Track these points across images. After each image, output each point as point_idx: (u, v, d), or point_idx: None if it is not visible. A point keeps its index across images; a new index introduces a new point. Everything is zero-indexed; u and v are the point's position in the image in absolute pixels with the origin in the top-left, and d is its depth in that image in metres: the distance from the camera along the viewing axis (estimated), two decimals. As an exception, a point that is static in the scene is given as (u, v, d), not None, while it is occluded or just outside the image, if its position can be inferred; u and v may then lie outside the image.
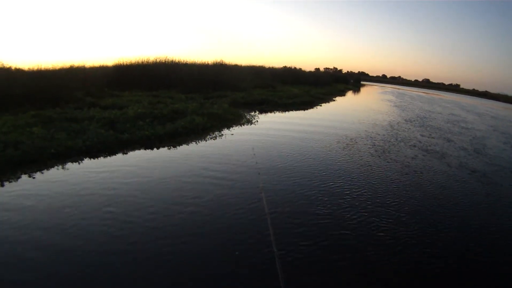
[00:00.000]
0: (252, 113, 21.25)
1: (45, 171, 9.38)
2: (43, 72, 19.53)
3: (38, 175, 9.10)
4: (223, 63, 35.98)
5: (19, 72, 18.79)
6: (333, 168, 11.43)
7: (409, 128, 21.72)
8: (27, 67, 19.82)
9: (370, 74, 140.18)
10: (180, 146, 12.55)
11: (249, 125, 17.31)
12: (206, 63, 34.62)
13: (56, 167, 9.74)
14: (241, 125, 17.13)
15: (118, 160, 10.71)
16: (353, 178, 10.68)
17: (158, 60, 29.61)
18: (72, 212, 7.05)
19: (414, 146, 16.26)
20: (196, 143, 13.14)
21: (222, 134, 14.75)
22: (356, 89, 70.32)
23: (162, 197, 8.12)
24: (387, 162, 12.97)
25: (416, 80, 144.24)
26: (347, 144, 15.15)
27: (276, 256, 5.64)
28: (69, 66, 22.40)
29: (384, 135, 18.37)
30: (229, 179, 9.55)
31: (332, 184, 9.87)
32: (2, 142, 10.26)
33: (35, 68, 19.78)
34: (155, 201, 7.85)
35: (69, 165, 9.97)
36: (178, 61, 31.39)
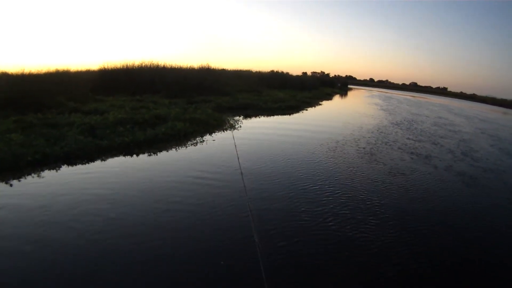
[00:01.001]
0: (236, 118, 21.07)
1: (20, 179, 9.17)
2: (27, 76, 19.32)
3: (12, 183, 8.90)
4: (209, 67, 35.90)
5: (3, 76, 18.58)
6: (315, 172, 11.39)
7: (396, 131, 21.74)
8: (11, 71, 19.59)
9: (358, 78, 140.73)
10: (159, 153, 12.38)
11: (232, 131, 17.12)
12: (192, 67, 34.49)
13: (32, 174, 9.55)
14: (224, 131, 16.95)
15: (94, 167, 10.52)
16: (335, 180, 10.70)
17: (143, 65, 29.49)
18: (43, 220, 6.90)
19: (400, 149, 16.28)
20: (176, 149, 12.98)
21: (204, 140, 14.58)
22: (343, 93, 70.52)
23: (133, 204, 8.01)
24: (372, 164, 13.00)
25: (403, 84, 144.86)
26: (331, 147, 15.10)
27: (258, 251, 5.58)
28: (53, 70, 22.14)
29: (369, 138, 18.38)
30: (207, 184, 9.45)
31: (313, 187, 9.84)
32: None
33: (19, 72, 19.53)
34: (125, 208, 7.71)
35: (45, 172, 9.78)
36: (164, 66, 31.26)
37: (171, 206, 7.99)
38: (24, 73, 19.57)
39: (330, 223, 7.68)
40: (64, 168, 10.24)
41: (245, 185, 9.49)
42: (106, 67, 27.22)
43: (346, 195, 9.52)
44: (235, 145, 13.74)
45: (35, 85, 18.11)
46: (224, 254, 6.15)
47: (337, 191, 9.75)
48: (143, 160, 11.54)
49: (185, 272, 5.64)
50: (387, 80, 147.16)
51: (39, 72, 20.92)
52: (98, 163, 10.90)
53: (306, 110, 30.74)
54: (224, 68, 43.23)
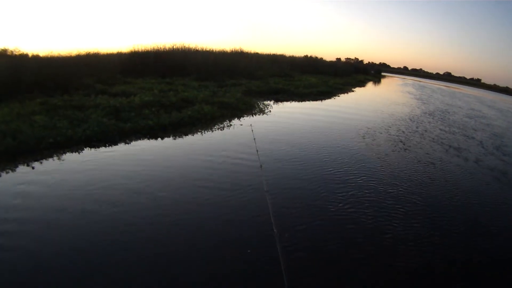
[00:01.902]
0: (266, 103, 20.43)
1: (38, 162, 8.87)
2: (55, 58, 19.13)
3: (27, 167, 8.60)
4: (241, 51, 35.36)
5: (32, 59, 18.41)
6: (342, 158, 10.89)
7: (428, 121, 20.90)
8: (40, 54, 19.46)
9: (392, 66, 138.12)
10: (183, 137, 11.91)
11: (261, 115, 16.55)
12: (224, 50, 33.98)
13: (51, 158, 9.23)
14: (252, 115, 16.37)
15: (114, 150, 10.14)
16: (361, 166, 10.27)
17: (174, 47, 29.06)
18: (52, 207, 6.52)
19: (431, 139, 15.56)
20: (200, 133, 12.47)
21: (231, 124, 14.01)
22: (377, 80, 68.90)
23: (152, 189, 7.57)
24: (401, 153, 12.38)
25: (437, 73, 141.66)
26: (360, 134, 14.45)
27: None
28: (82, 53, 21.97)
29: (400, 126, 17.64)
30: (225, 176, 8.84)
31: (339, 174, 9.33)
32: (1, 131, 9.81)
33: (48, 54, 19.37)
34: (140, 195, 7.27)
35: (65, 156, 9.46)
36: (195, 48, 30.77)
37: (189, 188, 7.69)
38: (53, 55, 19.37)
39: (350, 209, 7.40)
40: (84, 151, 9.89)
41: (265, 179, 8.96)
42: (136, 49, 26.90)
43: (372, 183, 9.06)
44: (253, 132, 13.21)
45: (63, 68, 17.91)
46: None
47: (362, 178, 9.31)
48: (165, 144, 11.09)
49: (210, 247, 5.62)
50: (421, 69, 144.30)
51: (68, 55, 20.74)
52: (119, 146, 10.51)
53: (338, 96, 29.87)
54: (257, 52, 42.58)
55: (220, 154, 10.31)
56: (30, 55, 19.50)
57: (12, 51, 19.70)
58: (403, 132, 16.14)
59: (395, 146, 13.36)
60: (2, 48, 20.21)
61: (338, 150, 11.90)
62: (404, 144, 13.78)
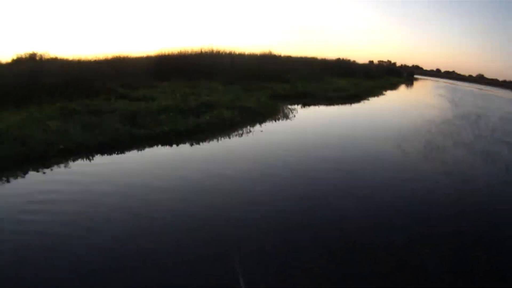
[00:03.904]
0: (292, 107, 19.60)
1: (42, 172, 8.51)
2: (78, 62, 18.93)
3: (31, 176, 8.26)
4: (271, 54, 34.77)
5: (54, 62, 18.20)
6: (362, 172, 9.94)
7: (459, 125, 19.83)
8: (62, 57, 19.29)
9: (424, 68, 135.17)
10: (196, 144, 11.32)
11: (284, 121, 15.83)
12: (253, 53, 33.42)
13: (58, 165, 8.84)
14: (275, 120, 15.66)
15: (121, 158, 9.74)
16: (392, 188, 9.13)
17: (202, 51, 28.63)
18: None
19: (465, 145, 14.55)
20: (217, 141, 11.83)
21: (251, 131, 13.29)
22: (409, 82, 67.29)
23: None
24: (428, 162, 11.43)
25: (470, 75, 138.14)
26: (382, 146, 13.50)
27: None
28: (107, 57, 21.77)
29: (429, 132, 16.45)
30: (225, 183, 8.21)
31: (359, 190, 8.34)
32: (13, 137, 9.50)
33: (72, 58, 19.20)
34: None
35: (72, 163, 9.07)
36: (223, 52, 30.28)
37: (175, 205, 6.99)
38: (77, 59, 19.21)
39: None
40: (93, 158, 9.50)
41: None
42: (163, 53, 26.55)
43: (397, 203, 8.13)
44: (278, 143, 12.52)
45: (86, 72, 17.68)
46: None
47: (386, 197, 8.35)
48: (174, 152, 10.62)
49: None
50: (453, 71, 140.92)
51: (93, 59, 20.58)
52: (130, 153, 10.07)
53: (368, 99, 28.85)
54: (288, 55, 41.86)
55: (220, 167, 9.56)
56: (57, 59, 19.16)
57: (41, 55, 19.40)
58: (434, 142, 15.10)
59: (420, 154, 12.45)
60: (31, 52, 19.94)
61: (357, 160, 11.12)
62: (429, 151, 12.87)
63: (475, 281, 5.37)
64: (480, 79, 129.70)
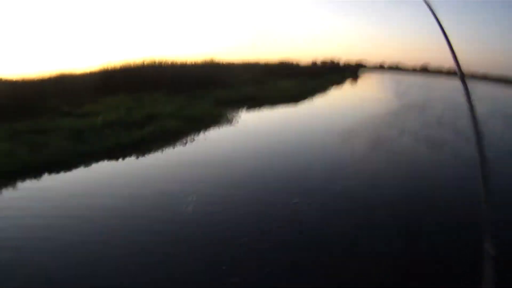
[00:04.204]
0: (236, 112, 20.24)
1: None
2: (20, 82, 18.87)
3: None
4: (212, 62, 35.22)
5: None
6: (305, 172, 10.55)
7: (407, 117, 20.81)
8: (4, 78, 19.13)
9: (368, 64, 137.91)
10: (139, 156, 11.73)
11: (228, 126, 16.42)
12: (195, 63, 33.77)
13: (5, 186, 9.01)
14: (219, 127, 16.23)
15: (66, 177, 9.97)
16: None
17: (144, 63, 28.78)
18: None
19: (411, 135, 15.49)
20: (160, 151, 12.29)
21: (194, 139, 13.84)
22: (353, 79, 68.95)
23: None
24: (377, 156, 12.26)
25: (414, 68, 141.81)
26: (321, 139, 14.28)
27: None
28: (50, 75, 21.67)
29: (377, 128, 17.36)
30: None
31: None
32: None
33: (14, 78, 19.08)
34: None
35: (18, 184, 9.25)
36: (165, 62, 30.49)
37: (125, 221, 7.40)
38: (19, 79, 19.12)
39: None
40: (40, 178, 9.70)
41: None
42: (106, 67, 26.55)
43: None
44: (221, 149, 13.03)
45: (30, 91, 17.70)
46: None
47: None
48: (117, 166, 10.99)
49: None
50: (398, 64, 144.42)
51: (37, 78, 20.47)
52: (75, 171, 10.32)
53: (311, 99, 29.81)
54: (230, 61, 42.35)
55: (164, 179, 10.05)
56: (1, 80, 19.04)
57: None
58: (374, 128, 16.00)
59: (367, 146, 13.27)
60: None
61: (302, 161, 11.75)
62: (375, 141, 13.77)
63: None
64: (424, 70, 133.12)
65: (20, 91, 17.30)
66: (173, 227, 6.87)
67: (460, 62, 2.03)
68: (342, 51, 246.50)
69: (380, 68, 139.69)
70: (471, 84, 1.94)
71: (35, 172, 9.92)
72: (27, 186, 9.16)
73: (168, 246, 6.17)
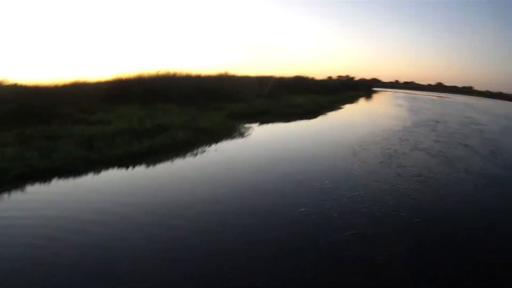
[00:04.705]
0: (248, 125, 20.17)
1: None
2: (34, 88, 19.00)
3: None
4: (227, 74, 35.30)
5: (10, 87, 18.25)
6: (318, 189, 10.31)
7: (419, 132, 20.60)
8: (19, 83, 19.27)
9: (383, 80, 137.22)
10: (150, 166, 11.67)
11: (240, 139, 16.36)
12: (209, 75, 33.85)
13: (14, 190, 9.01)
14: (231, 139, 16.16)
15: (70, 183, 9.94)
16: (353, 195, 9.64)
17: (158, 74, 28.89)
18: None
19: (422, 150, 15.30)
20: (170, 161, 12.26)
21: (205, 151, 13.78)
22: (368, 95, 68.74)
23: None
24: (392, 172, 12.02)
25: (429, 84, 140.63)
26: (340, 157, 14.07)
27: None
28: (64, 82, 21.82)
29: (390, 142, 17.24)
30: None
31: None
32: None
33: (28, 84, 19.22)
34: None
35: (28, 188, 9.29)
36: (179, 74, 30.58)
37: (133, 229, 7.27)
38: (33, 85, 19.26)
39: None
40: (47, 183, 9.72)
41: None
42: (120, 77, 26.68)
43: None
44: (230, 160, 12.95)
45: (43, 97, 17.81)
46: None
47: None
48: (126, 174, 10.90)
49: None
50: (412, 82, 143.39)
51: (51, 84, 20.62)
52: (84, 177, 10.32)
53: (325, 114, 29.72)
54: (245, 74, 42.39)
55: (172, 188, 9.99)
56: (15, 84, 19.14)
57: (0, 82, 19.28)
58: (393, 148, 15.73)
59: (385, 163, 13.11)
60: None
61: (308, 180, 11.54)
62: (392, 159, 13.58)
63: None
64: (439, 87, 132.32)
65: (34, 97, 17.41)
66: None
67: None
68: (357, 68, 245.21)
69: (395, 84, 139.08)
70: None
71: (44, 177, 9.95)
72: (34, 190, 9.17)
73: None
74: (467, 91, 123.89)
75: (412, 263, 6.39)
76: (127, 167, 11.32)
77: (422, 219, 8.35)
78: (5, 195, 8.73)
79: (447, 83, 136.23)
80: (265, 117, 23.91)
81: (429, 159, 13.98)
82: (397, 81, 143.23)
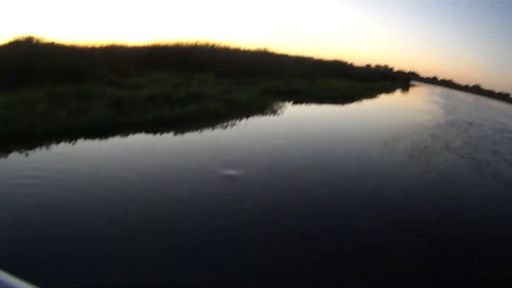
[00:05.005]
0: (282, 103, 19.64)
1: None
2: (72, 48, 18.91)
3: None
4: (266, 51, 34.81)
5: (47, 47, 18.16)
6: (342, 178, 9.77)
7: (451, 132, 19.84)
8: (56, 42, 19.19)
9: (421, 75, 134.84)
10: (179, 134, 11.35)
11: (272, 116, 15.89)
12: (248, 50, 33.44)
13: (39, 148, 8.82)
14: (263, 115, 15.72)
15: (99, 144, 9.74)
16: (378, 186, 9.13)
17: (197, 43, 28.57)
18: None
19: (451, 150, 14.60)
20: (200, 131, 11.86)
21: (236, 124, 13.36)
22: (404, 88, 67.30)
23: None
24: (419, 167, 11.39)
25: (466, 85, 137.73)
26: (370, 145, 13.51)
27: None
28: (101, 44, 21.75)
29: (421, 138, 16.34)
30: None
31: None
32: None
33: (65, 43, 19.16)
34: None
35: (52, 145, 9.08)
36: (218, 46, 30.22)
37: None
38: (70, 45, 19.20)
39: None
40: (73, 143, 9.45)
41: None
42: (158, 43, 26.40)
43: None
44: (261, 136, 12.49)
45: (79, 57, 17.66)
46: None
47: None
48: (155, 140, 10.64)
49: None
50: (450, 80, 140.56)
51: (88, 45, 20.59)
52: (111, 139, 10.09)
53: (360, 101, 28.95)
54: (283, 53, 41.81)
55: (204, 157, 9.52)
56: (52, 43, 19.05)
57: (38, 40, 19.17)
58: (423, 145, 15.02)
59: (414, 159, 12.45)
60: (28, 35, 19.66)
61: (340, 166, 11.04)
62: (421, 157, 12.87)
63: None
64: (476, 90, 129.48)
65: (70, 57, 17.26)
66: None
67: None
68: (396, 60, 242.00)
69: (432, 81, 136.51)
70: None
71: (70, 135, 9.70)
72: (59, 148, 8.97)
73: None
74: (504, 97, 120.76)
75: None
76: (156, 133, 11.02)
77: (439, 218, 7.82)
78: (29, 151, 8.53)
79: (485, 86, 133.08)
80: (299, 97, 23.21)
81: (458, 160, 13.31)
82: (434, 78, 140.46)
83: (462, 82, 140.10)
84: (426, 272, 5.54)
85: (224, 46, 30.90)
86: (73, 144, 9.33)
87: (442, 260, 6.00)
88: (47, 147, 8.89)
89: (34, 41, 18.87)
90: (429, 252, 6.14)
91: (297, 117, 17.33)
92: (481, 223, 8.05)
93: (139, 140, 10.40)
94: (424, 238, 6.60)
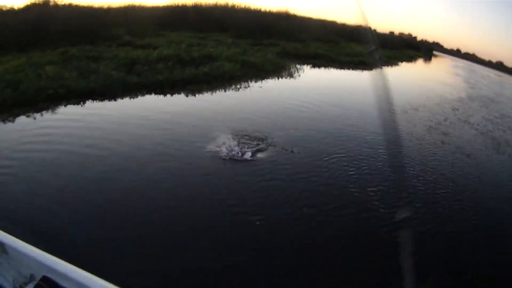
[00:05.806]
0: (300, 66, 19.00)
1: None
2: (89, 9, 18.68)
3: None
4: (287, 13, 33.96)
5: (62, 8, 17.90)
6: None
7: (471, 106, 19.05)
8: (77, 3, 18.98)
9: (445, 46, 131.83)
10: (189, 95, 10.90)
11: (287, 79, 15.28)
12: (269, 11, 32.62)
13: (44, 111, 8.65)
14: (278, 78, 15.11)
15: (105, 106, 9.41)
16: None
17: (217, 3, 27.98)
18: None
19: (471, 124, 13.95)
20: (210, 93, 11.37)
21: (249, 86, 12.82)
22: (427, 58, 65.63)
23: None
24: (436, 140, 10.76)
25: (489, 61, 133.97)
26: (387, 114, 12.90)
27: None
28: (117, 5, 21.54)
29: (442, 109, 15.55)
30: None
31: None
32: (6, 81, 9.40)
33: (83, 4, 18.94)
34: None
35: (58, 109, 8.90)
36: (238, 6, 29.57)
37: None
38: (87, 5, 18.99)
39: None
40: (80, 105, 9.30)
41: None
42: (177, 3, 25.88)
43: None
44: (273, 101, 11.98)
45: (95, 18, 17.44)
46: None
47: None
48: (163, 102, 10.20)
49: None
50: (474, 54, 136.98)
51: (105, 6, 20.30)
52: (119, 101, 9.82)
53: (380, 68, 28.11)
54: (305, 16, 40.86)
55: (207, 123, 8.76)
56: (69, 4, 18.76)
57: (55, 1, 18.74)
58: (443, 118, 14.36)
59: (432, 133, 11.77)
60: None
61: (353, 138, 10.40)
62: (439, 124, 12.34)
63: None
64: (499, 66, 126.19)
65: (86, 18, 17.03)
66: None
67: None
68: (420, 29, 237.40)
69: (455, 53, 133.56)
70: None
71: (77, 97, 9.55)
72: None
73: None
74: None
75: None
76: (165, 94, 10.65)
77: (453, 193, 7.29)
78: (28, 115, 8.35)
79: (508, 63, 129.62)
80: (318, 61, 22.55)
81: (476, 135, 12.65)
82: (458, 50, 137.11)
83: (486, 57, 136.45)
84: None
85: (244, 7, 30.20)
86: (77, 107, 9.13)
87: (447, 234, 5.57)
88: (53, 111, 8.72)
89: (52, 2, 18.53)
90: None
91: (313, 82, 16.62)
92: (494, 199, 7.54)
93: (146, 101, 10.05)
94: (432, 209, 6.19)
